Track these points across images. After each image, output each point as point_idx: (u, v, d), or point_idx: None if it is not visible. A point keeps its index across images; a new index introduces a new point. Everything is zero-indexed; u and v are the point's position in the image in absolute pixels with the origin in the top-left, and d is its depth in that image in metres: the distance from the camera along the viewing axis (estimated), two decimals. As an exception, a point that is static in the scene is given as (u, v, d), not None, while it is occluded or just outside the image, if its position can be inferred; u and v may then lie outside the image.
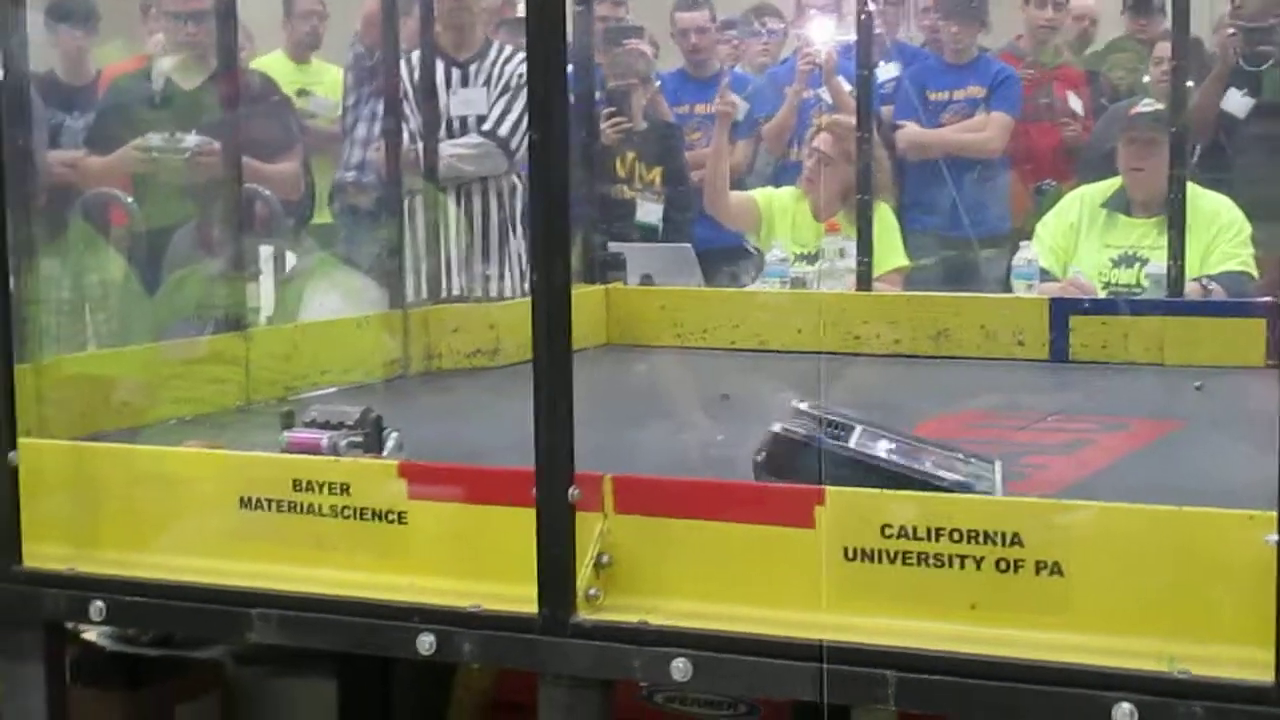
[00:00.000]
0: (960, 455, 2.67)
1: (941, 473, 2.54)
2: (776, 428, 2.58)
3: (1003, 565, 2.09)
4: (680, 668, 2.16)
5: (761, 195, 6.35)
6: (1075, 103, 7.13)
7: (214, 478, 2.55)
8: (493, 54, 6.15)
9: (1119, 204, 5.60)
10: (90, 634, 3.24)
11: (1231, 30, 6.68)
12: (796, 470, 2.53)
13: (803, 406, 2.78)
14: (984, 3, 7.07)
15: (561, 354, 2.20)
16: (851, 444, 2.59)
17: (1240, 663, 1.97)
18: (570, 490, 2.22)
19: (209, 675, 3.26)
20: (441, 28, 5.34)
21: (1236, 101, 6.51)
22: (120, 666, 3.19)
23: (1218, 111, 6.53)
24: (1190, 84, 4.79)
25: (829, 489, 2.22)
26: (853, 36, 5.52)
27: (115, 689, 3.09)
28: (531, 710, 3.02)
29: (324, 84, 7.31)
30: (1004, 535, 2.09)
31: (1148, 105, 5.64)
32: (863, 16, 4.90)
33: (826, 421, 2.73)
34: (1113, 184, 5.68)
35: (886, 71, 6.88)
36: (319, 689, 3.19)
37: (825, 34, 7.09)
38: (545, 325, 2.20)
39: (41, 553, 2.57)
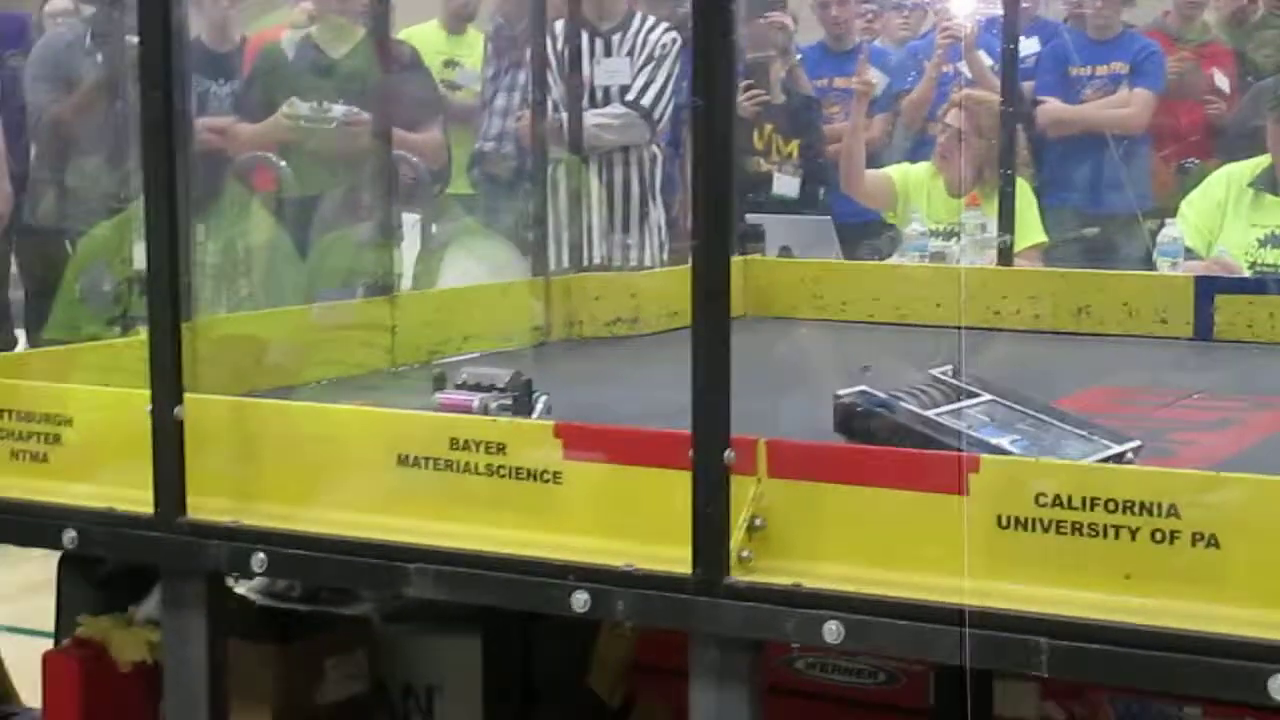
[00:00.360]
0: (1086, 431, 2.70)
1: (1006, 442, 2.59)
2: (842, 394, 2.64)
3: (1158, 536, 2.09)
4: (833, 630, 2.19)
5: (897, 172, 6.34)
6: (1221, 80, 7.05)
7: (373, 435, 2.60)
8: (635, 24, 6.19)
9: (1266, 183, 5.54)
10: (240, 589, 3.32)
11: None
12: (866, 434, 2.62)
13: (938, 373, 2.83)
14: (1132, -23, 7.02)
15: (720, 318, 2.23)
16: (963, 412, 2.66)
17: (1399, 637, 1.96)
18: (726, 453, 2.25)
19: (357, 631, 3.33)
20: (584, -2, 5.38)
21: None
22: (271, 621, 3.27)
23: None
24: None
25: (984, 457, 2.23)
26: (995, 10, 5.51)
27: (268, 642, 3.16)
28: (671, 674, 3.07)
29: (475, 56, 7.36)
30: (1160, 506, 2.09)
31: None
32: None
33: (954, 388, 2.78)
34: (1260, 163, 5.61)
35: (1026, 47, 6.82)
36: (465, 646, 3.25)
37: (966, 7, 7.06)
38: (705, 289, 2.22)
39: (205, 505, 2.63)
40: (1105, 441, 2.68)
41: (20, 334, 7.02)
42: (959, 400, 2.78)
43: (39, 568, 5.60)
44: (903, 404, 2.71)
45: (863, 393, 2.73)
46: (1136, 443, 2.69)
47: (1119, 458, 2.62)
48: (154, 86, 2.56)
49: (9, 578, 5.30)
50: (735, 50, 2.28)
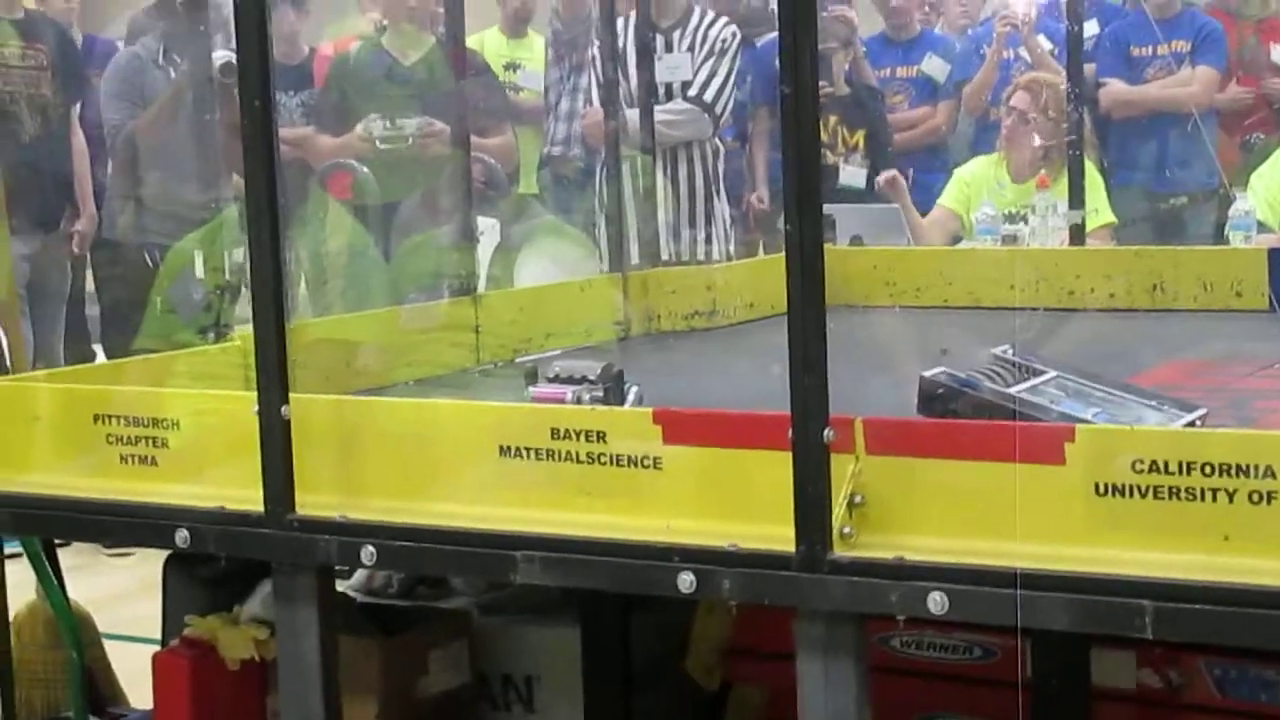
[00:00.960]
0: (1155, 402, 2.74)
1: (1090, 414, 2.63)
2: (926, 373, 2.69)
3: (1255, 497, 2.13)
4: (937, 600, 2.23)
5: (957, 185, 6.30)
6: None
7: (474, 428, 2.66)
8: (695, 19, 6.24)
9: (1334, 154, 5.56)
10: (340, 586, 3.40)
11: None
12: (951, 413, 2.66)
13: (999, 352, 2.88)
14: (1189, -44, 7.03)
15: (817, 300, 2.28)
16: (1038, 389, 2.70)
17: None
18: (825, 431, 2.30)
19: (456, 624, 3.40)
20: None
21: None
22: (373, 616, 3.34)
23: None
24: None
25: (1078, 426, 2.28)
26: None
27: (372, 636, 3.23)
28: (766, 656, 3.12)
29: (534, 58, 7.44)
30: (1256, 468, 2.13)
31: None
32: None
33: (1018, 366, 2.83)
34: (1327, 134, 5.64)
35: (1087, 29, 6.84)
36: (563, 635, 3.31)
37: (1024, -7, 7.08)
38: (801, 273, 2.27)
39: (313, 501, 2.70)
40: (1175, 410, 2.73)
41: (97, 349, 7.13)
42: (1028, 377, 2.82)
43: (126, 578, 5.73)
44: (986, 383, 2.76)
45: (945, 373, 2.77)
46: (1203, 410, 2.74)
47: (1189, 426, 2.66)
48: (254, 99, 2.63)
49: (99, 585, 5.40)
50: (817, 40, 2.31)
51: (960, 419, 2.61)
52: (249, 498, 2.74)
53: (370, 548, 2.64)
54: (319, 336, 3.72)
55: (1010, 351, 2.89)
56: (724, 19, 6.37)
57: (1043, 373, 2.84)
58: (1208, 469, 2.15)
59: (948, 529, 2.30)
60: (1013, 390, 2.72)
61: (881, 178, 6.36)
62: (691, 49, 6.23)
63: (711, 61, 6.18)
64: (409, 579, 3.55)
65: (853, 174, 6.70)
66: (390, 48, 6.11)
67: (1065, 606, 2.16)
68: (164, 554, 3.40)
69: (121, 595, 5.32)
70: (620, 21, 5.25)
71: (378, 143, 5.63)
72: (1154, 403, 2.75)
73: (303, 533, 2.69)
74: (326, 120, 6.10)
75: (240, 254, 3.66)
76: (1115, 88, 6.84)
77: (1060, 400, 2.74)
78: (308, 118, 6.42)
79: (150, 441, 2.92)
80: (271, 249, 2.67)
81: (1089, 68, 6.71)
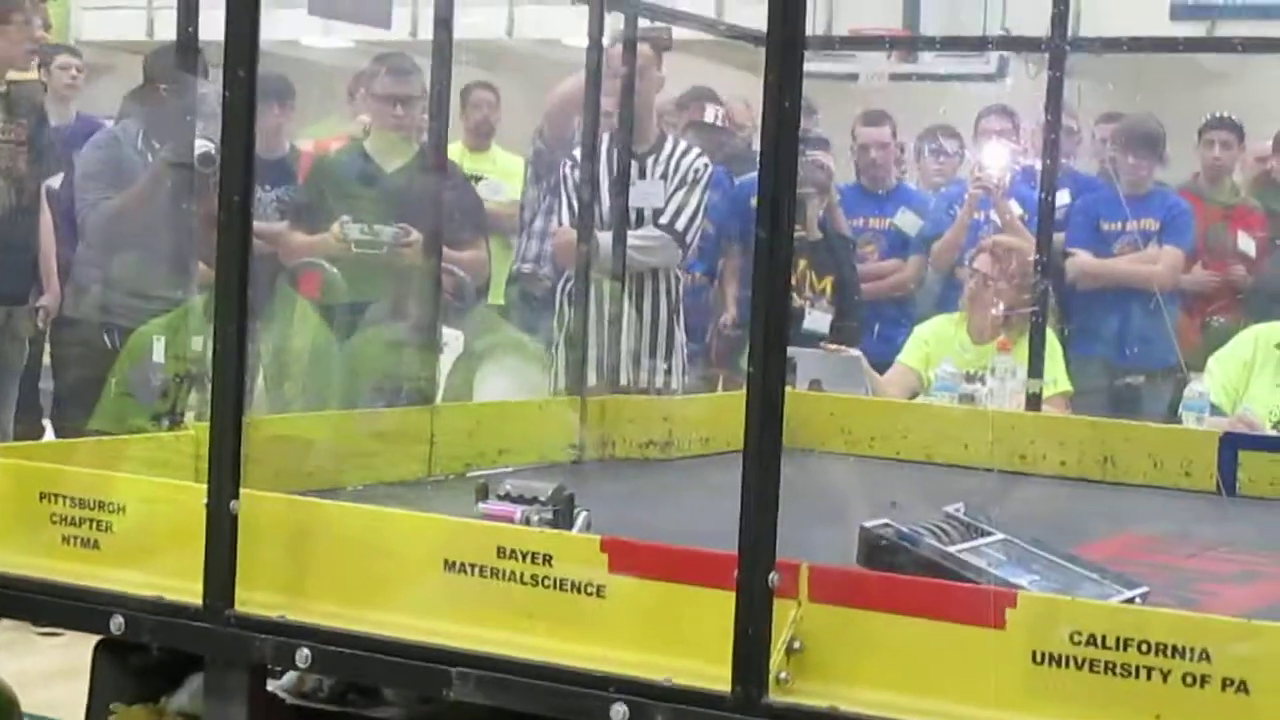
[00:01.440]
0: (1097, 575, 2.76)
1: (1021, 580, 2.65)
2: (866, 524, 2.71)
3: (1189, 679, 2.15)
4: (869, 755, 2.24)
5: (916, 343, 6.34)
6: (1246, 243, 7.16)
7: (421, 540, 2.66)
8: (668, 148, 6.30)
9: (1294, 345, 5.63)
10: (270, 686, 3.37)
11: None
12: (889, 566, 2.68)
13: (951, 509, 2.90)
14: (1163, 138, 7.13)
15: (773, 445, 2.30)
16: (980, 550, 2.72)
17: None
18: (771, 575, 2.31)
19: (385, 735, 3.37)
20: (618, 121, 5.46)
21: None
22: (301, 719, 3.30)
23: None
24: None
25: (1020, 593, 2.29)
26: (1027, 161, 5.61)
27: (298, 739, 3.20)
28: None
29: (496, 169, 7.52)
30: (1192, 650, 2.15)
31: None
32: (1049, 143, 4.98)
33: (967, 525, 2.85)
34: (1288, 324, 5.71)
35: (1058, 199, 6.93)
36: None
37: (1001, 159, 7.19)
38: (759, 417, 2.30)
39: (254, 599, 2.69)
40: (1116, 586, 2.75)
41: (47, 424, 7.09)
42: (975, 537, 2.84)
43: (55, 658, 5.65)
44: (926, 538, 2.78)
45: (886, 525, 2.79)
46: (1144, 588, 2.76)
47: (1129, 603, 2.68)
48: (234, 194, 2.65)
49: (27, 664, 5.34)
50: (796, 186, 2.36)
51: (899, 573, 2.63)
52: (188, 589, 2.73)
53: (306, 650, 2.63)
54: (274, 433, 3.72)
55: (962, 510, 2.91)
56: (696, 150, 6.44)
57: (990, 534, 2.86)
58: (1145, 647, 2.17)
59: (884, 683, 2.31)
60: (953, 549, 2.74)
61: None
62: (664, 177, 6.29)
63: (684, 191, 6.23)
64: (341, 685, 3.53)
65: (818, 319, 6.75)
66: (373, 152, 6.16)
67: (988, 773, 2.17)
68: (95, 637, 3.36)
69: (49, 675, 5.25)
70: (602, 147, 5.28)
71: (352, 246, 5.66)
72: (1095, 575, 2.77)
73: (240, 629, 2.68)
74: (302, 217, 6.13)
75: (200, 343, 3.68)
76: (1082, 259, 6.92)
77: (1001, 564, 2.76)
78: (282, 213, 6.45)
79: (94, 524, 2.91)
80: (237, 342, 2.68)
81: (1058, 237, 6.80)
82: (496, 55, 8.61)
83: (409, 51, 6.37)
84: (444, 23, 4.11)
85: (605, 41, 4.71)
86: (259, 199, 6.49)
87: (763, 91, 2.29)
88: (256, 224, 2.67)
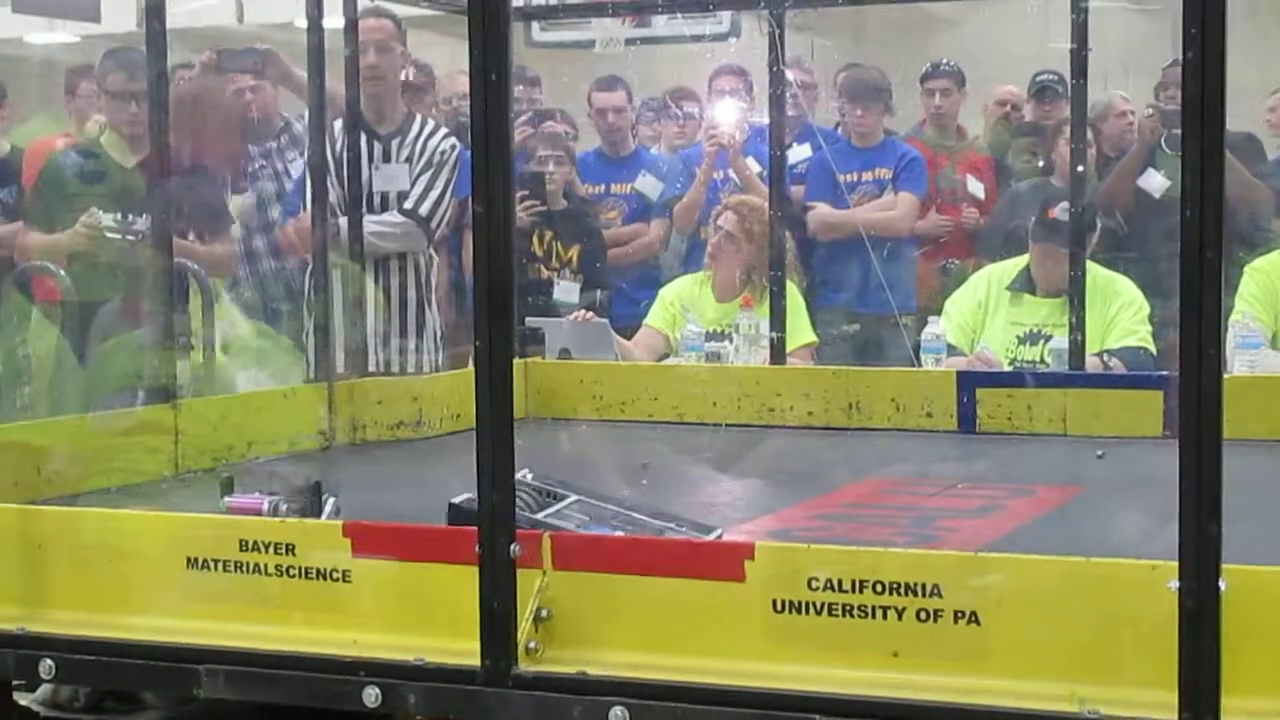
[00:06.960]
0: (675, 524, 2.81)
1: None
2: (455, 499, 2.72)
3: (923, 615, 2.21)
4: (619, 715, 2.27)
5: (662, 305, 6.39)
6: (975, 186, 7.34)
7: (161, 539, 2.63)
8: (415, 129, 6.21)
9: (1024, 284, 5.79)
10: (23, 700, 3.30)
11: (1150, 112, 6.97)
12: None
13: (523, 476, 2.89)
14: (887, 88, 7.28)
15: (503, 418, 2.31)
16: (562, 513, 2.75)
17: (1148, 704, 2.10)
18: (511, 546, 2.32)
19: (144, 740, 3.32)
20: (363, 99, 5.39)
21: (1154, 181, 6.76)
22: (55, 732, 3.24)
23: (1133, 189, 6.79)
24: (1081, 169, 4.98)
25: (758, 544, 2.34)
26: (763, 119, 5.68)
27: (52, 752, 3.14)
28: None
29: None
30: (924, 587, 2.21)
31: (1063, 211, 5.57)
32: (776, 98, 5.05)
33: (540, 490, 2.87)
34: (1018, 264, 5.87)
35: (799, 153, 7.05)
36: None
37: (733, 116, 7.27)
38: (489, 391, 2.31)
39: (-10, 613, 2.64)
40: (693, 531, 2.79)
41: None
42: (552, 502, 2.85)
43: None
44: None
45: (470, 499, 2.76)
46: (719, 530, 2.82)
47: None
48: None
49: None
50: (511, 157, 2.36)
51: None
52: (-79, 609, 2.66)
53: (49, 661, 2.59)
54: (8, 440, 3.64)
55: (529, 476, 2.90)
56: (444, 130, 6.38)
57: (565, 496, 2.87)
58: (879, 587, 2.23)
59: (633, 644, 2.35)
60: (539, 516, 2.75)
61: None
62: (410, 159, 6.22)
63: (429, 174, 6.16)
64: (96, 693, 3.47)
65: (567, 289, 6.77)
66: (110, 149, 5.99)
67: (739, 722, 2.21)
68: None
69: None
70: (339, 125, 5.19)
71: (106, 234, 5.50)
72: (673, 524, 2.81)
73: (-22, 645, 2.62)
74: (37, 218, 5.94)
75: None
76: (822, 210, 7.04)
77: (585, 524, 2.77)
78: (8, 215, 6.27)
79: None
80: (-45, 353, 2.61)
81: (798, 190, 6.91)
82: (226, 42, 8.43)
83: (134, 44, 6.23)
84: (155, 10, 4.03)
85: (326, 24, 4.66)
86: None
87: (468, 64, 2.29)
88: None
